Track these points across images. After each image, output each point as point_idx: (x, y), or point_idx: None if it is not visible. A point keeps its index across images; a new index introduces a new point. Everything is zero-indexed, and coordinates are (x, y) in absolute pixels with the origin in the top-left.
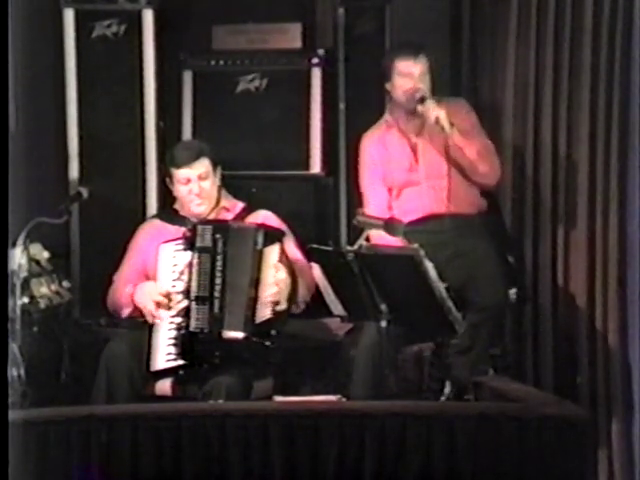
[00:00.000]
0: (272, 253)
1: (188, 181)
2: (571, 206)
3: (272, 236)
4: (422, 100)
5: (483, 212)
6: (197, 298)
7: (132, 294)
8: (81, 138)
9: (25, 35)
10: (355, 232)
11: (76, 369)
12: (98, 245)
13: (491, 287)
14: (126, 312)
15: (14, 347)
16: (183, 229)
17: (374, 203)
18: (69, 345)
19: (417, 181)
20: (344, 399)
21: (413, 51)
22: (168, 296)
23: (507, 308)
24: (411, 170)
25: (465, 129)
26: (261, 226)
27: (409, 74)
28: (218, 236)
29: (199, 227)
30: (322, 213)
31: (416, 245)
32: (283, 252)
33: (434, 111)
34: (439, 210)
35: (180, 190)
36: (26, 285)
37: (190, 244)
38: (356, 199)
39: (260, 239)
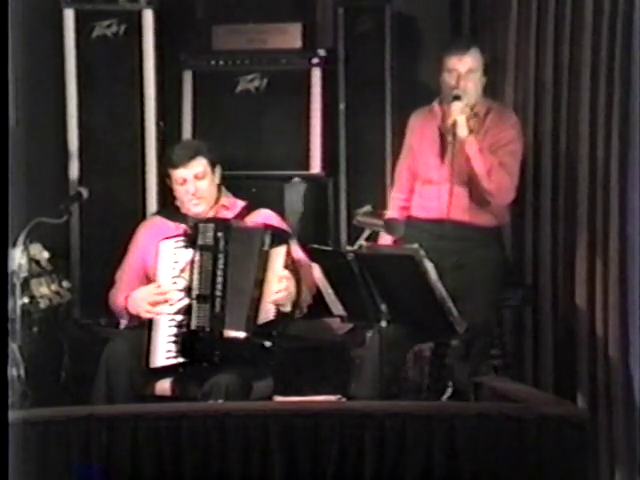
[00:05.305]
0: (279, 255)
1: (184, 181)
2: (571, 206)
3: (279, 237)
4: (455, 98)
5: (503, 225)
6: (198, 296)
7: (126, 306)
8: (81, 138)
9: (25, 35)
10: (355, 232)
11: (76, 369)
12: (98, 245)
13: (483, 308)
14: (124, 323)
15: (14, 347)
16: (183, 226)
17: (397, 185)
18: (69, 345)
19: (438, 181)
20: (344, 399)
21: (461, 47)
22: (163, 292)
23: (497, 328)
24: (437, 168)
25: (492, 144)
26: (269, 227)
27: (455, 70)
28: (220, 234)
29: (200, 225)
30: (322, 213)
31: (416, 245)
32: (289, 254)
33: (455, 113)
34: (452, 216)
35: (178, 190)
36: (26, 285)
37: (191, 242)
38: (356, 199)
39: (267, 240)
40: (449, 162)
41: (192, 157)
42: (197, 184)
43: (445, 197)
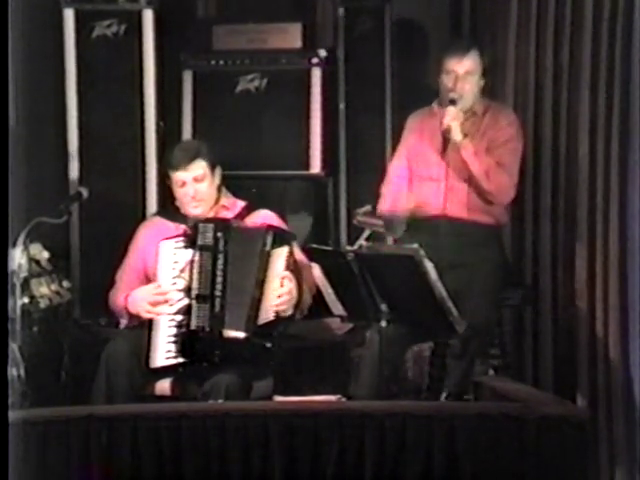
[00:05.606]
0: (280, 255)
1: (184, 184)
2: (571, 206)
3: (281, 238)
4: (452, 102)
5: (501, 225)
6: (198, 296)
7: (126, 306)
8: (81, 138)
9: (25, 35)
10: (355, 232)
11: (76, 369)
12: (98, 245)
13: (483, 307)
14: (124, 323)
15: (14, 347)
16: (183, 226)
17: (390, 182)
18: (69, 345)
19: (437, 178)
20: (344, 399)
21: (461, 48)
22: (163, 292)
23: (497, 328)
24: (437, 164)
25: (490, 142)
26: (271, 227)
27: (453, 72)
28: (219, 235)
29: (200, 225)
30: (322, 213)
31: (416, 245)
32: (291, 255)
33: (448, 118)
34: (449, 212)
35: (177, 192)
36: (26, 285)
37: (191, 242)
38: (356, 199)
39: (269, 240)
40: (446, 158)
41: (192, 159)
42: (196, 187)
43: (445, 194)
